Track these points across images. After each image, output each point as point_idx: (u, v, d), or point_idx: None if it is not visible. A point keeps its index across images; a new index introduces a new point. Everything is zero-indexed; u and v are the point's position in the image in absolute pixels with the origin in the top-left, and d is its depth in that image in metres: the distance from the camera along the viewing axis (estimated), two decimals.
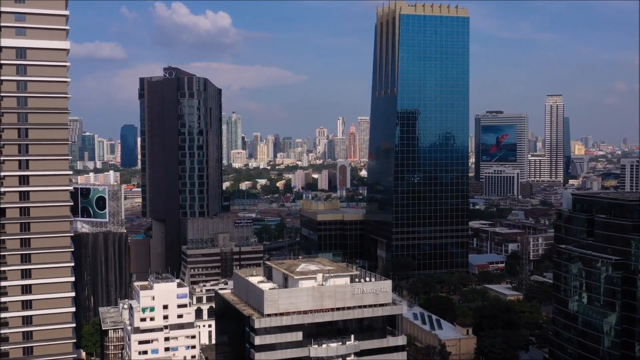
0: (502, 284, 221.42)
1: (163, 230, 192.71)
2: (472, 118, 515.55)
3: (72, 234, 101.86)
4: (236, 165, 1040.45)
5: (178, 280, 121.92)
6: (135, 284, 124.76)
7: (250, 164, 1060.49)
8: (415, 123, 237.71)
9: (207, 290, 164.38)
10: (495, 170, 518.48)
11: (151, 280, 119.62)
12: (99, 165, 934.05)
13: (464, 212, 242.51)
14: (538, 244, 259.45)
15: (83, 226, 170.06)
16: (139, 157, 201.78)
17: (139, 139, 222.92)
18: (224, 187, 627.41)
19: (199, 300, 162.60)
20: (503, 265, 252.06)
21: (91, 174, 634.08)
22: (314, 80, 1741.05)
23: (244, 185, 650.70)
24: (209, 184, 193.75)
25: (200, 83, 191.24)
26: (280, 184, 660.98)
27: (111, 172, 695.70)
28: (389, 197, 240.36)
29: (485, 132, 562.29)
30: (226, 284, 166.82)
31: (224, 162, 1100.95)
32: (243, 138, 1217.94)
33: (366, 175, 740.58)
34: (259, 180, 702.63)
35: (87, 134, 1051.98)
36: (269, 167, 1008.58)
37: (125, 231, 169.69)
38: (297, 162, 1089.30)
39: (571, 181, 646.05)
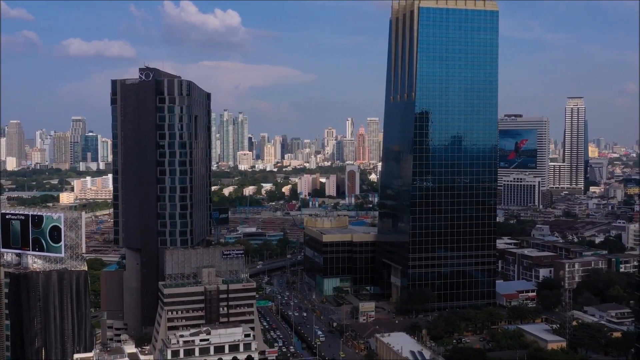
0: (538, 322, 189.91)
1: (138, 261, 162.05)
2: None
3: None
4: (242, 167, 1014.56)
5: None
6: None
7: (256, 166, 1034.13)
8: (435, 132, 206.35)
9: (185, 342, 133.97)
10: (514, 179, 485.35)
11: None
12: (102, 166, 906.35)
13: (491, 234, 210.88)
14: (574, 270, 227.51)
15: (35, 262, 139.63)
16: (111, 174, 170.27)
17: (110, 154, 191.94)
18: (226, 193, 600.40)
19: (175, 354, 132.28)
20: (534, 294, 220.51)
21: (88, 178, 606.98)
22: (323, 79, 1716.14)
23: (248, 191, 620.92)
24: (194, 207, 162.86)
25: (183, 86, 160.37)
26: (286, 189, 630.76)
27: (110, 175, 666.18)
28: (404, 216, 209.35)
29: (503, 137, 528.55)
30: (209, 333, 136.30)
31: (230, 163, 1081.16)
32: (250, 139, 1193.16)
33: (376, 180, 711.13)
34: (264, 184, 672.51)
35: (91, 134, 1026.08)
36: (275, 169, 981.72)
37: (86, 269, 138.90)
38: (305, 164, 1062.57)
39: (592, 188, 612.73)
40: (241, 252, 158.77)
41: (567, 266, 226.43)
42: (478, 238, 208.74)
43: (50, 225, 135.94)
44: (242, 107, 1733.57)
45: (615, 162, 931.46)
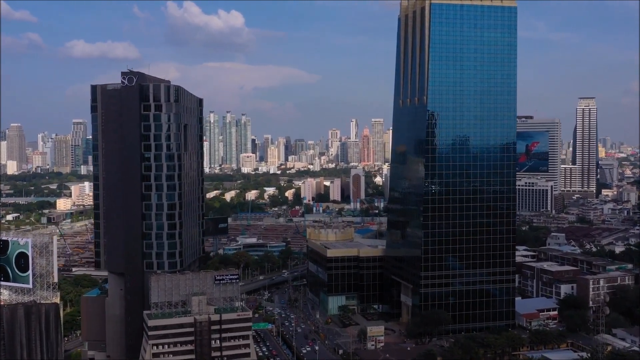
0: (563, 347, 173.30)
1: (122, 286, 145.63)
2: None
3: None
4: (245, 169, 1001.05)
5: None
6: None
7: (260, 168, 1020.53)
8: (449, 139, 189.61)
9: None
10: (526, 183, 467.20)
11: None
12: None
13: (510, 249, 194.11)
14: (599, 286, 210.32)
15: (1, 293, 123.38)
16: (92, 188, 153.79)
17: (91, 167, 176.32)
18: (228, 199, 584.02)
19: None
20: (556, 312, 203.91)
21: (86, 184, 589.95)
22: (328, 80, 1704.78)
23: (251, 195, 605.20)
24: (183, 225, 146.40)
25: (170, 92, 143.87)
26: (289, 194, 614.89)
27: None
28: (415, 229, 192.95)
29: None
30: None
31: (233, 166, 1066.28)
32: (253, 140, 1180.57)
33: (381, 183, 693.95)
34: (267, 188, 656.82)
35: None
36: (279, 172, 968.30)
37: (58, 301, 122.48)
38: (309, 166, 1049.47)
39: (604, 191, 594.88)
40: (236, 276, 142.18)
41: (591, 283, 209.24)
42: (496, 253, 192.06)
43: (17, 252, 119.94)
44: (247, 108, 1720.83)
45: (623, 163, 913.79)
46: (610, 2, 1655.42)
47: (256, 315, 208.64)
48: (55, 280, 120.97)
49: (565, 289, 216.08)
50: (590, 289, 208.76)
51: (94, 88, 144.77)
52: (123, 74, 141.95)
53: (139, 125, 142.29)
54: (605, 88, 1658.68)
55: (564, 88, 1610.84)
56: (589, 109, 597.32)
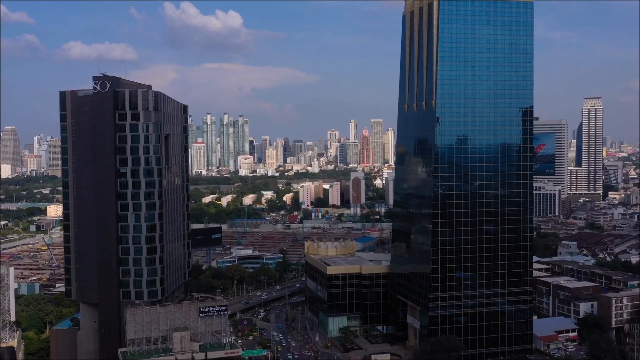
0: None
1: (95, 318, 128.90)
2: None
3: None
4: (243, 172, 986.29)
5: None
6: None
7: (258, 170, 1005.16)
8: (459, 147, 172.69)
9: None
10: (534, 187, 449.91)
11: None
12: None
13: (526, 266, 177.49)
14: (622, 305, 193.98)
15: None
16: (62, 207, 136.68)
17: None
18: (224, 203, 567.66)
19: None
20: (575, 334, 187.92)
21: None
22: (327, 80, 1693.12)
23: (248, 200, 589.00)
24: (165, 248, 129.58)
25: (149, 98, 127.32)
26: (287, 198, 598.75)
27: None
28: (423, 244, 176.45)
29: None
30: None
31: (230, 168, 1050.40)
32: (251, 142, 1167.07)
33: (381, 186, 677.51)
34: (264, 192, 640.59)
35: None
36: (277, 174, 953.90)
37: (14, 344, 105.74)
38: (308, 168, 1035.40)
39: (611, 194, 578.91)
40: (224, 308, 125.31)
41: (613, 301, 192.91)
42: (512, 271, 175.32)
43: None
44: (245, 109, 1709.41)
45: (625, 163, 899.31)
46: (609, 1, 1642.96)
47: (250, 339, 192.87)
48: (13, 318, 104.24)
49: (584, 307, 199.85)
50: (613, 308, 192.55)
51: (62, 94, 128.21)
52: (95, 78, 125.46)
53: (114, 137, 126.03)
54: (605, 86, 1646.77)
55: (563, 87, 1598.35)
56: (595, 109, 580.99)
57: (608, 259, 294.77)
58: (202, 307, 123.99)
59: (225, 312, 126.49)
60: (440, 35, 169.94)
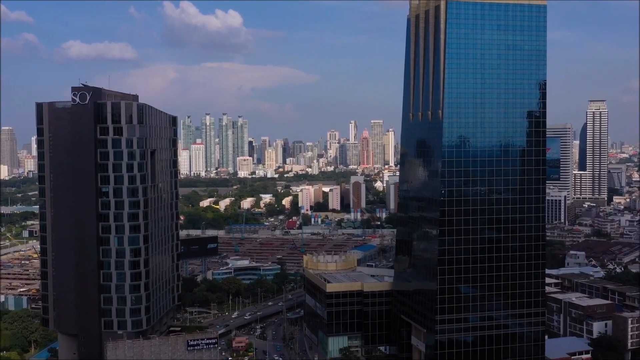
0: None
1: (75, 350, 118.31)
2: None
3: None
4: (242, 173, 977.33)
5: None
6: None
7: (257, 172, 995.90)
8: (468, 159, 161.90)
9: None
10: None
11: None
12: None
13: (539, 286, 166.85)
14: (639, 326, 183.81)
15: None
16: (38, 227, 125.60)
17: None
18: (222, 207, 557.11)
19: None
20: (589, 355, 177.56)
21: None
22: (326, 80, 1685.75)
23: (246, 203, 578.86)
24: (151, 274, 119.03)
25: (133, 111, 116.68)
26: (286, 201, 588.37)
27: None
28: (429, 263, 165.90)
29: None
30: None
31: (229, 169, 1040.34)
32: (250, 142, 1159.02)
33: (382, 189, 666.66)
34: (263, 195, 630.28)
35: None
36: (276, 175, 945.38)
37: None
38: (307, 169, 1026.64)
39: (615, 198, 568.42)
40: (213, 340, 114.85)
41: (630, 322, 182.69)
42: (523, 291, 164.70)
43: None
44: (245, 109, 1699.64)
45: (628, 165, 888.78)
46: (609, 1, 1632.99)
47: (246, 359, 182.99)
48: None
49: (598, 327, 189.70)
50: (629, 329, 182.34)
51: (39, 106, 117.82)
52: (74, 89, 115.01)
53: (94, 153, 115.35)
54: (605, 87, 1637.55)
55: (563, 87, 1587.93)
56: (600, 112, 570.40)
57: (618, 269, 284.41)
58: (190, 340, 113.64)
59: (215, 345, 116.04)
60: (447, 41, 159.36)
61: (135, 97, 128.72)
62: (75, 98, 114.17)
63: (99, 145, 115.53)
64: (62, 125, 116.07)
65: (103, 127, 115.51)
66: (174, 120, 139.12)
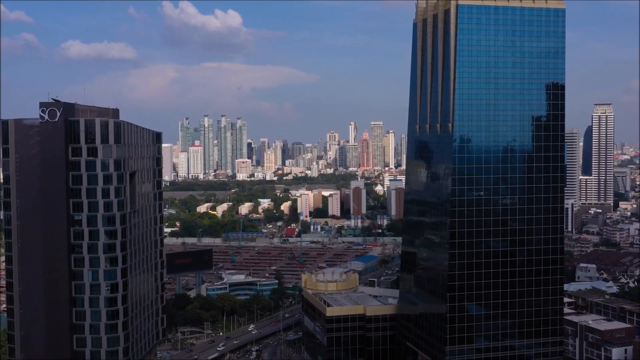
0: None
1: None
2: None
3: None
4: (240, 176, 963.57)
5: None
6: None
7: (255, 174, 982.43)
8: (480, 177, 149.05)
9: None
10: None
11: None
12: None
13: (556, 314, 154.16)
14: None
15: None
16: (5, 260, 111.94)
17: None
18: (219, 213, 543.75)
19: None
20: None
21: None
22: (326, 80, 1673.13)
23: (244, 208, 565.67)
24: (129, 311, 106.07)
25: (109, 129, 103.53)
26: (285, 207, 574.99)
27: None
28: (437, 287, 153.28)
29: None
30: None
31: (228, 172, 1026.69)
32: (249, 144, 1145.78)
33: (382, 193, 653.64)
34: (261, 200, 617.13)
35: None
36: (275, 178, 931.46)
37: None
38: (307, 172, 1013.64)
39: (622, 204, 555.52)
40: None
41: None
42: (539, 319, 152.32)
43: None
44: (244, 109, 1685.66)
45: (629, 166, 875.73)
46: (609, 1, 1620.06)
47: None
48: None
49: (617, 353, 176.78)
50: None
51: (4, 124, 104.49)
52: (42, 105, 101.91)
53: (66, 176, 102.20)
54: (605, 87, 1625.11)
55: (566, 87, 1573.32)
56: (606, 116, 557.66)
57: (631, 284, 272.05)
58: None
59: None
60: (458, 47, 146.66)
61: (115, 112, 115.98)
62: (43, 115, 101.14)
63: (71, 168, 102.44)
64: (29, 145, 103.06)
65: (75, 147, 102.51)
66: (158, 137, 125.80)
